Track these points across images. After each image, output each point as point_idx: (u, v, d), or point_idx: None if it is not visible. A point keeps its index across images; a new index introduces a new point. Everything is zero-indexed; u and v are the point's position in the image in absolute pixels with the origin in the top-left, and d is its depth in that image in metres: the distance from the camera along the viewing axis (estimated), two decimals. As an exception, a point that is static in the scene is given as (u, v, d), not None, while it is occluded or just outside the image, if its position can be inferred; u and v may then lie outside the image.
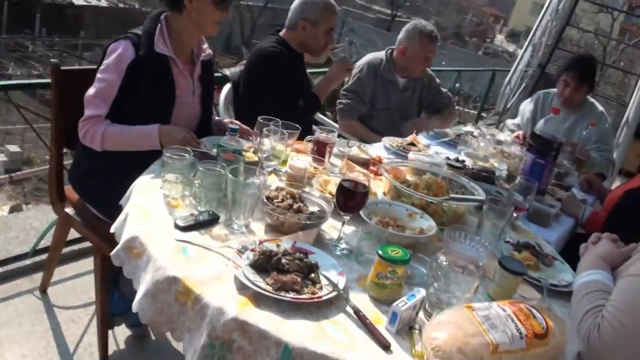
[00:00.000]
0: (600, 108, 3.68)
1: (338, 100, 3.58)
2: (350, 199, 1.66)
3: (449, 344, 1.27)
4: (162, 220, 1.65)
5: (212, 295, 1.36)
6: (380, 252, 1.48)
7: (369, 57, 3.69)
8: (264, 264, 1.46)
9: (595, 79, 3.62)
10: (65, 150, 2.41)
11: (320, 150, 2.27)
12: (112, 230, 1.74)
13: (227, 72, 3.09)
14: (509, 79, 6.39)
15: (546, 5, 6.35)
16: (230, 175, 1.63)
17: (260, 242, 1.56)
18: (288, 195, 1.78)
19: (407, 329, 1.40)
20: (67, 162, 2.47)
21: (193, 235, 1.59)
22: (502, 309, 1.39)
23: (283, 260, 1.46)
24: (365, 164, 2.39)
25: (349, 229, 1.80)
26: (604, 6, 13.61)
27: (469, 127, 3.81)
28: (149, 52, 2.15)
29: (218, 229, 1.65)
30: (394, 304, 1.37)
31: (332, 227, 1.80)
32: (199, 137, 2.15)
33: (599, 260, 1.71)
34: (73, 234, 2.61)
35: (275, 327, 1.30)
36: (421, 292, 1.43)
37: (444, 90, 3.94)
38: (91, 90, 2.12)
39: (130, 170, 1.90)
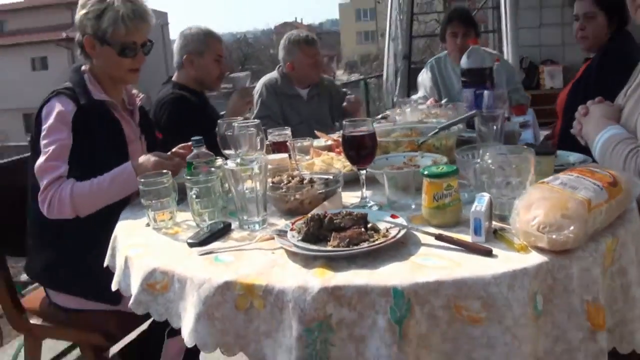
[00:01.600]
0: (496, 53, 3.83)
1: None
2: (362, 146, 1.52)
3: (550, 215, 1.16)
4: (170, 247, 1.43)
5: (281, 281, 1.15)
6: (427, 172, 1.35)
7: (263, 79, 3.60)
8: (317, 230, 1.28)
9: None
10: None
11: (282, 150, 2.11)
12: (113, 287, 1.48)
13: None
14: (385, 77, 6.61)
15: (389, 3, 6.71)
16: (230, 167, 1.44)
17: (293, 223, 1.37)
18: (290, 178, 1.60)
19: (493, 236, 1.27)
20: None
21: (215, 246, 1.36)
22: (568, 175, 1.31)
23: (336, 220, 1.28)
24: (328, 148, 2.27)
25: (366, 193, 1.64)
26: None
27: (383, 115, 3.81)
28: (89, 101, 1.94)
29: (237, 234, 1.45)
30: (472, 210, 1.24)
31: (349, 197, 1.64)
32: None
33: (603, 120, 1.70)
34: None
35: (369, 278, 1.12)
36: (484, 195, 1.30)
37: (345, 90, 3.93)
38: (41, 159, 1.84)
39: (100, 230, 1.66)
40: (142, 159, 1.88)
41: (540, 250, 1.17)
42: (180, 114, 2.66)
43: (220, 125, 1.90)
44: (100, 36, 1.97)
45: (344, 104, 3.53)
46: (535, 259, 1.14)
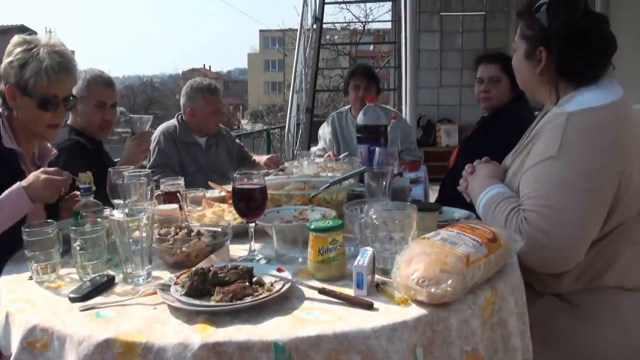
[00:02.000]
0: (395, 110, 4.01)
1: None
2: (251, 199, 1.52)
3: (430, 270, 1.21)
4: (52, 302, 1.34)
5: (162, 337, 1.12)
6: (313, 226, 1.37)
7: (162, 127, 3.54)
8: (201, 285, 1.25)
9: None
10: None
11: (174, 200, 2.07)
12: None
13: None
14: (287, 129, 6.72)
15: (295, 57, 6.89)
16: (116, 217, 1.39)
17: (177, 277, 1.34)
18: (178, 229, 1.57)
19: (375, 289, 1.30)
20: None
21: (97, 301, 1.31)
22: (449, 231, 1.38)
23: (220, 275, 1.26)
24: (222, 200, 2.25)
25: (255, 246, 1.63)
26: (340, 48, 15.19)
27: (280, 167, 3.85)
28: None
29: (120, 288, 1.39)
30: (355, 264, 1.27)
31: (237, 250, 1.63)
32: None
33: (487, 179, 1.81)
34: None
35: (250, 333, 1.11)
36: (368, 250, 1.34)
37: (241, 143, 3.96)
38: None
39: None
40: (31, 177, 1.78)
41: (420, 303, 1.21)
42: (74, 162, 2.55)
43: (110, 174, 1.84)
44: (22, 86, 1.90)
45: (265, 159, 3.57)
46: (414, 311, 1.18)
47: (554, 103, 1.75)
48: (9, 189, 1.76)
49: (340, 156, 3.52)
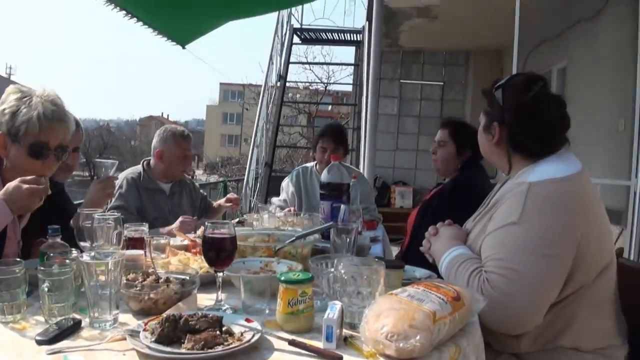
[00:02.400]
0: (358, 170, 4.09)
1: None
2: (222, 249, 1.54)
3: (398, 325, 1.25)
4: (18, 344, 1.31)
5: (130, 384, 1.10)
6: (283, 278, 1.39)
7: (126, 172, 3.53)
8: (171, 332, 1.25)
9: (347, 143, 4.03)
10: None
11: (137, 246, 2.06)
12: None
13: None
14: (245, 182, 6.75)
15: (258, 112, 7.00)
16: (85, 260, 1.38)
17: (146, 323, 1.33)
18: (145, 276, 1.57)
19: (343, 342, 1.32)
20: None
21: (64, 344, 1.28)
22: (415, 288, 1.42)
23: (191, 322, 1.27)
24: (185, 248, 2.25)
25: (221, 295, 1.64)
26: (300, 106, 15.46)
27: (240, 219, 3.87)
28: None
29: (87, 332, 1.37)
30: (325, 317, 1.29)
31: (203, 299, 1.63)
32: None
33: (451, 240, 1.88)
34: None
35: (221, 383, 1.11)
36: (336, 303, 1.37)
37: (204, 193, 3.98)
38: None
39: None
40: (10, 189, 1.74)
41: (388, 357, 1.24)
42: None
43: (79, 216, 1.82)
44: (13, 134, 1.88)
45: (224, 199, 3.57)
46: (382, 366, 1.21)
47: (506, 172, 1.89)
48: None
49: (299, 212, 3.56)
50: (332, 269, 1.50)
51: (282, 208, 4.00)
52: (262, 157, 7.10)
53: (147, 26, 4.31)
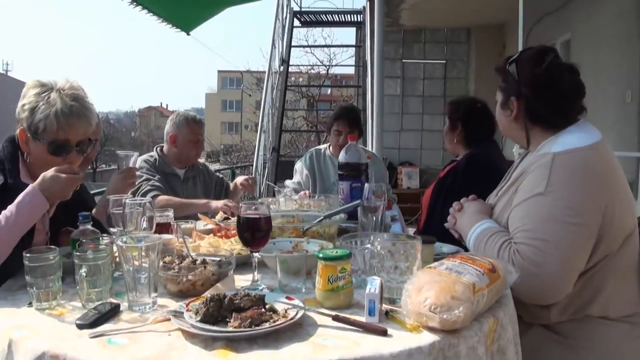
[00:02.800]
0: (374, 152, 4.08)
1: (140, 189, 3.29)
2: (257, 229, 1.54)
3: (441, 297, 1.25)
4: (58, 329, 1.32)
5: (181, 363, 1.11)
6: (322, 255, 1.40)
7: (143, 157, 3.54)
8: (216, 311, 1.26)
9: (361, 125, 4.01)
10: None
11: (164, 231, 2.07)
12: None
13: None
14: (255, 167, 6.76)
15: (263, 98, 6.99)
16: (121, 244, 1.39)
17: (187, 304, 1.34)
18: (181, 258, 1.58)
19: (384, 317, 1.33)
20: None
21: (106, 328, 1.29)
22: (452, 261, 1.43)
23: (235, 301, 1.28)
24: (210, 232, 2.26)
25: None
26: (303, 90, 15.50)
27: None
28: (15, 182, 1.82)
29: (127, 315, 1.38)
30: (367, 292, 1.30)
31: (238, 280, 1.64)
32: None
33: (477, 215, 1.88)
34: None
35: (273, 358, 1.12)
36: (376, 279, 1.38)
37: (220, 176, 3.99)
38: None
39: None
40: (48, 178, 1.73)
41: (431, 329, 1.25)
42: None
43: (110, 202, 1.83)
44: (33, 131, 1.86)
45: (240, 182, 3.57)
46: (427, 338, 1.22)
47: (525, 147, 1.91)
48: (23, 193, 1.71)
49: (314, 194, 3.56)
50: (369, 245, 1.50)
51: (296, 191, 4.00)
52: (269, 142, 7.12)
53: (152, 14, 4.29)
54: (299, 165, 4.20)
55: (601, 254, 1.69)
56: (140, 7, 4.10)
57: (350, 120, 3.87)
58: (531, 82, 1.81)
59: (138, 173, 3.30)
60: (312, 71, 16.75)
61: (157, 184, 3.31)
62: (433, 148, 9.50)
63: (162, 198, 3.11)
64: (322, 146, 4.16)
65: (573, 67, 1.86)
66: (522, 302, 1.65)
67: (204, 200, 3.23)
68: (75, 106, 1.89)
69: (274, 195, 3.41)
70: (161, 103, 61.98)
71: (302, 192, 3.87)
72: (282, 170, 7.15)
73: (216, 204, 3.12)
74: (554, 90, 1.80)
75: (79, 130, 1.92)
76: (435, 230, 2.16)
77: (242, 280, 1.64)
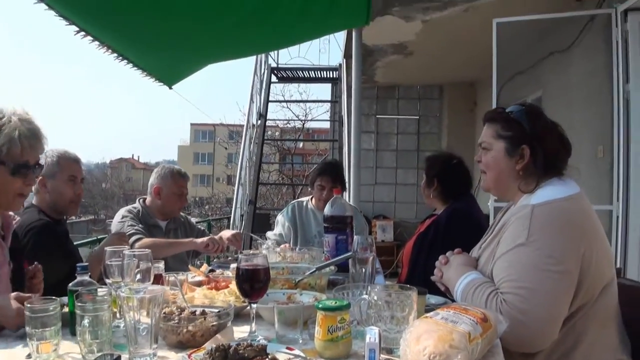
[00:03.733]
0: (354, 205, 4.15)
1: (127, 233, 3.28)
2: (256, 280, 1.57)
3: (439, 346, 1.30)
4: (59, 381, 1.32)
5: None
6: (322, 306, 1.44)
7: (126, 208, 3.57)
8: (221, 360, 1.28)
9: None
10: None
11: (155, 283, 2.08)
12: None
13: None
14: (232, 220, 6.77)
15: (241, 151, 7.07)
16: (123, 293, 1.41)
17: (189, 355, 1.36)
18: (179, 309, 1.60)
19: (383, 366, 1.37)
20: None
21: (108, 379, 1.30)
22: (446, 311, 1.48)
23: (240, 351, 1.30)
24: (199, 284, 2.27)
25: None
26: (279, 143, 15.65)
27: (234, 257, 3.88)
28: None
29: (128, 367, 1.39)
30: (367, 341, 1.34)
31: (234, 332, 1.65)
32: None
33: (463, 267, 1.95)
34: None
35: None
36: (374, 328, 1.41)
37: (202, 228, 4.01)
38: None
39: None
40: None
41: (430, 379, 1.28)
42: (47, 242, 2.53)
43: (107, 253, 1.85)
44: None
45: (227, 236, 3.59)
46: (427, 386, 1.25)
47: (527, 191, 1.92)
48: None
49: (295, 247, 3.58)
50: (365, 295, 1.54)
51: (278, 242, 4.03)
52: (245, 195, 7.16)
53: (136, 68, 4.37)
54: (280, 218, 4.24)
55: (580, 300, 1.76)
56: (125, 61, 4.17)
57: (334, 175, 3.95)
58: (547, 132, 1.90)
59: (121, 220, 3.35)
60: (288, 125, 16.99)
61: (140, 230, 3.34)
62: (407, 201, 9.65)
63: (147, 240, 3.19)
64: (304, 199, 4.22)
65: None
66: (506, 351, 1.70)
67: (188, 239, 3.39)
68: (33, 129, 1.96)
69: (250, 247, 3.45)
70: (133, 155, 61.73)
71: (283, 245, 3.90)
72: (258, 222, 7.18)
73: (201, 240, 3.30)
74: (563, 141, 1.92)
75: (37, 152, 2.00)
76: (418, 284, 2.21)
77: (237, 332, 1.66)
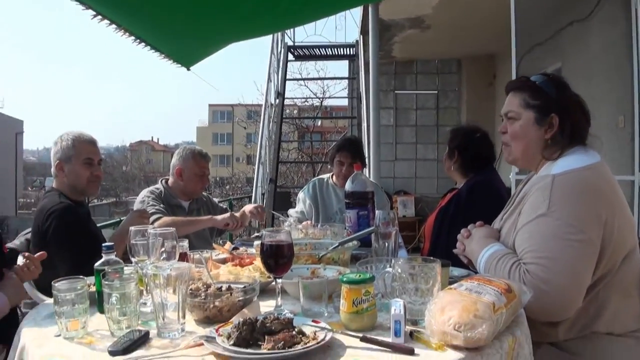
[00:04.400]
0: (374, 182, 4.15)
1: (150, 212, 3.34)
2: (280, 255, 1.59)
3: (464, 316, 1.30)
4: (90, 356, 1.36)
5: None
6: (346, 279, 1.45)
7: (147, 189, 3.61)
8: (249, 334, 1.30)
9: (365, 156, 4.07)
10: None
11: (180, 261, 2.11)
12: None
13: (12, 245, 2.68)
14: (253, 199, 6.82)
15: (260, 130, 7.09)
16: (150, 271, 1.43)
17: (217, 330, 1.39)
18: (205, 286, 1.62)
19: (409, 337, 1.38)
20: None
21: (139, 354, 1.33)
22: (470, 283, 1.48)
23: (267, 324, 1.32)
24: (223, 261, 2.30)
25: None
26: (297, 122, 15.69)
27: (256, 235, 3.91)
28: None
29: (157, 342, 1.42)
30: (392, 313, 1.35)
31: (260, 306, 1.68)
32: None
33: (485, 239, 1.95)
34: None
35: (308, 379, 1.16)
36: (399, 300, 1.42)
37: (224, 207, 4.05)
38: None
39: None
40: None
41: (455, 348, 1.30)
42: (70, 224, 2.57)
43: (132, 232, 1.87)
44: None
45: (249, 210, 3.62)
46: (452, 355, 1.27)
47: (552, 159, 1.91)
48: None
49: (316, 224, 3.60)
50: (390, 269, 1.55)
51: (299, 220, 4.05)
52: (266, 173, 7.21)
53: (154, 50, 4.38)
54: (301, 195, 4.24)
55: (603, 269, 1.76)
56: (143, 43, 4.18)
57: (352, 151, 3.94)
58: (573, 102, 1.90)
59: (143, 200, 3.39)
60: (306, 103, 16.98)
61: (161, 209, 3.38)
62: (427, 177, 9.61)
63: (167, 218, 3.23)
64: (325, 176, 4.23)
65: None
66: (530, 321, 1.71)
67: (207, 217, 3.42)
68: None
69: (272, 225, 3.47)
70: (152, 137, 62.18)
71: (305, 222, 3.91)
72: (279, 200, 7.23)
73: (222, 217, 3.34)
74: (583, 112, 1.91)
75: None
76: (440, 258, 2.21)
77: (263, 307, 1.68)
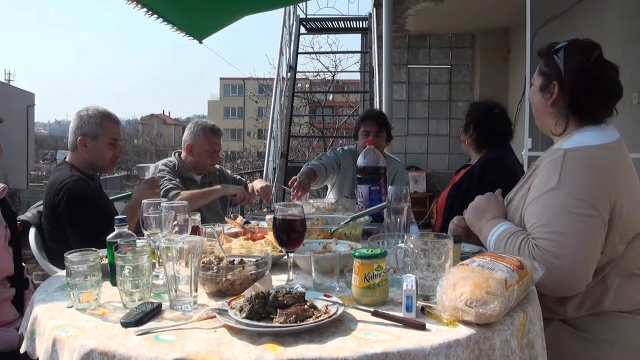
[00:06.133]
0: (398, 160, 4.11)
1: (163, 187, 3.34)
2: (293, 230, 1.59)
3: (476, 292, 1.30)
4: (103, 327, 1.36)
5: (233, 357, 1.16)
6: (358, 254, 1.45)
7: (163, 160, 3.63)
8: (261, 308, 1.31)
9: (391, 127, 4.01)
10: None
11: (193, 234, 2.13)
12: None
13: (24, 217, 2.71)
14: (265, 173, 6.82)
15: (272, 104, 7.06)
16: (164, 245, 1.44)
17: (229, 303, 1.39)
18: (217, 259, 1.63)
19: (421, 313, 1.38)
20: None
21: (152, 325, 1.34)
22: (482, 259, 1.47)
23: (279, 298, 1.33)
24: (235, 235, 2.31)
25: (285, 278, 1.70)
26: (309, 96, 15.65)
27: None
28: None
29: (170, 314, 1.43)
30: (404, 288, 1.35)
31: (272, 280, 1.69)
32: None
33: (494, 219, 1.93)
34: None
35: (321, 351, 1.17)
36: (410, 276, 1.42)
37: (237, 177, 4.05)
38: None
39: None
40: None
41: (467, 323, 1.30)
42: (82, 197, 2.58)
43: (144, 206, 1.88)
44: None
45: (258, 188, 3.62)
46: (464, 331, 1.27)
47: (557, 134, 1.92)
48: None
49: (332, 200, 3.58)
50: (402, 244, 1.55)
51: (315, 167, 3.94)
52: (277, 148, 7.20)
53: (166, 22, 4.35)
54: (331, 152, 4.14)
55: (611, 247, 1.75)
56: (155, 15, 4.16)
57: (377, 119, 3.89)
58: (578, 71, 1.85)
59: (160, 174, 3.40)
60: (318, 77, 16.85)
61: (177, 184, 3.39)
62: (439, 152, 9.55)
63: (185, 193, 3.30)
64: (352, 146, 4.17)
65: (616, 67, 1.90)
66: (540, 298, 1.70)
67: (219, 186, 3.51)
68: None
69: (283, 200, 3.47)
70: (163, 111, 62.22)
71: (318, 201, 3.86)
72: (290, 175, 7.18)
73: (233, 187, 3.51)
74: (600, 84, 1.85)
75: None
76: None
77: (275, 281, 1.69)
